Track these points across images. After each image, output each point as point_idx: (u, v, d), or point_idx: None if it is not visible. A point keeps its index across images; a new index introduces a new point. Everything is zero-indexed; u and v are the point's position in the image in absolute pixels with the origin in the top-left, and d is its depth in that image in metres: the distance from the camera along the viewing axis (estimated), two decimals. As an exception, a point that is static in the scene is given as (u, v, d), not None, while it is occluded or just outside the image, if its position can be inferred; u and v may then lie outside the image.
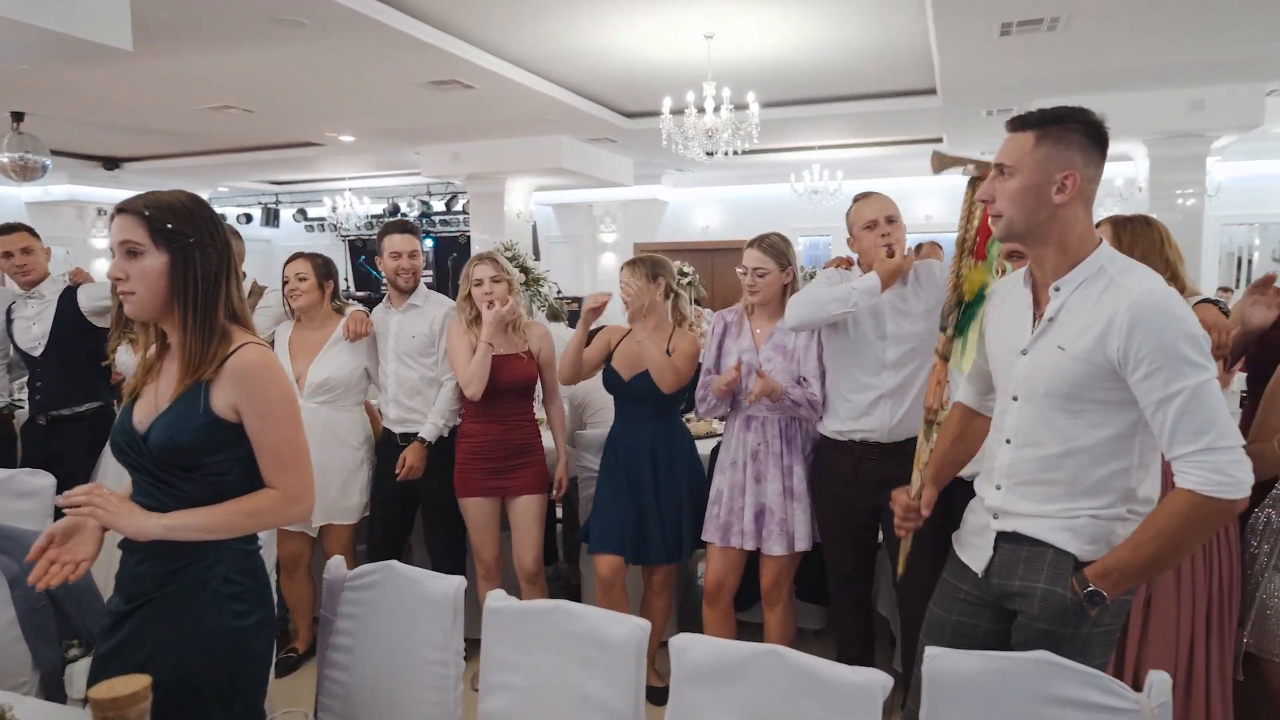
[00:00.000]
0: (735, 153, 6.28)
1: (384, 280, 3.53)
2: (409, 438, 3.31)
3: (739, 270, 2.88)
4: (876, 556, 2.87)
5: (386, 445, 3.39)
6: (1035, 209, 1.65)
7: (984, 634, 1.83)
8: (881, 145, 9.65)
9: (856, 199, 2.76)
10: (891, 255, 2.59)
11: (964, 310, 1.93)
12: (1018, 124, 1.67)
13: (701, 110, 6.17)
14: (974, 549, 1.85)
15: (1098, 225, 2.30)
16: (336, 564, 2.09)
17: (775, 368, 2.79)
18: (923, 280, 2.65)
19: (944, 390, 1.93)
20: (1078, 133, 1.63)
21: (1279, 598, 2.14)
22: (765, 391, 2.67)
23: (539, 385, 3.31)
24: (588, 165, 9.19)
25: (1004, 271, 2.05)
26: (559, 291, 11.44)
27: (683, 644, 1.69)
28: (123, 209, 1.61)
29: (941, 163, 1.90)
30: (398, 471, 3.22)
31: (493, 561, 3.23)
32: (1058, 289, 1.68)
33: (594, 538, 3.07)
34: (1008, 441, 1.76)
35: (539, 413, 3.43)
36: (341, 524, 3.34)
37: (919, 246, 5.46)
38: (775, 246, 2.81)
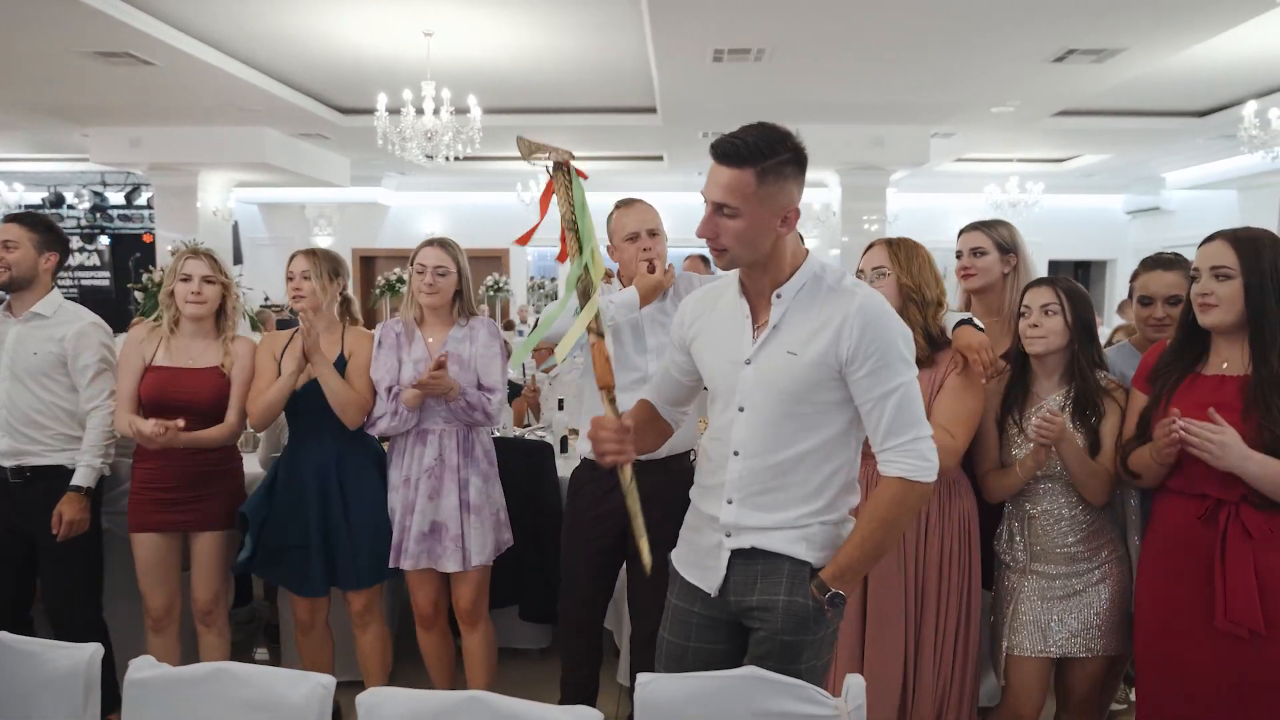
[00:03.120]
0: (456, 158, 6.07)
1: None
2: (22, 473, 2.75)
3: (417, 270, 2.71)
4: (618, 575, 2.80)
5: None
6: (760, 244, 1.65)
7: (723, 654, 1.79)
8: (606, 160, 9.87)
9: (619, 205, 2.64)
10: (652, 270, 2.52)
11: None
12: (732, 159, 1.60)
13: (420, 111, 5.90)
14: (704, 569, 1.80)
15: (870, 247, 2.42)
16: (-91, 643, 1.63)
17: (451, 378, 2.66)
18: (683, 293, 2.58)
19: (610, 365, 1.85)
20: (791, 164, 1.63)
21: (1036, 598, 2.29)
22: (436, 384, 2.53)
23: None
24: (297, 162, 8.52)
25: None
26: (266, 298, 10.50)
27: (373, 700, 1.50)
28: None
29: (529, 149, 1.87)
30: (55, 530, 2.68)
31: (164, 610, 2.77)
32: (779, 296, 1.70)
33: (265, 571, 2.78)
34: (736, 453, 1.73)
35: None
36: None
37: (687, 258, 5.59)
38: (456, 255, 2.74)
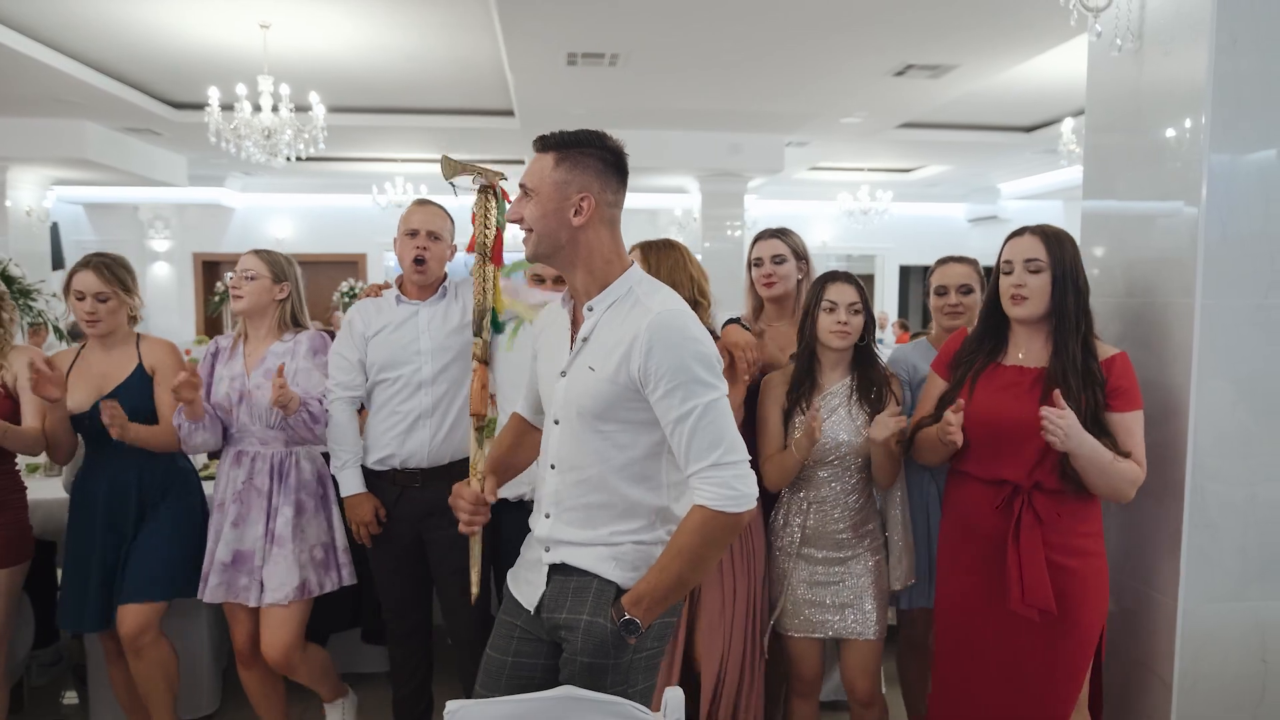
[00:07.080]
0: (299, 158, 5.76)
1: None
2: None
3: (232, 279, 2.61)
4: (432, 587, 2.69)
5: None
6: (556, 230, 1.63)
7: (543, 671, 1.73)
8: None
9: (415, 202, 2.59)
10: (419, 263, 2.47)
11: (494, 316, 1.89)
12: (539, 145, 1.67)
13: (258, 108, 5.56)
14: (528, 585, 1.76)
15: (630, 250, 2.36)
16: None
17: (266, 394, 2.50)
18: (462, 292, 2.55)
19: (488, 394, 1.86)
20: (595, 157, 1.63)
21: (803, 584, 2.38)
22: (282, 399, 2.39)
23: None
24: (124, 160, 7.91)
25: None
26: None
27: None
28: None
29: (451, 168, 1.86)
30: None
31: None
32: (591, 309, 1.67)
33: (68, 614, 2.52)
34: (552, 467, 1.71)
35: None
36: None
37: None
38: (277, 262, 2.65)
